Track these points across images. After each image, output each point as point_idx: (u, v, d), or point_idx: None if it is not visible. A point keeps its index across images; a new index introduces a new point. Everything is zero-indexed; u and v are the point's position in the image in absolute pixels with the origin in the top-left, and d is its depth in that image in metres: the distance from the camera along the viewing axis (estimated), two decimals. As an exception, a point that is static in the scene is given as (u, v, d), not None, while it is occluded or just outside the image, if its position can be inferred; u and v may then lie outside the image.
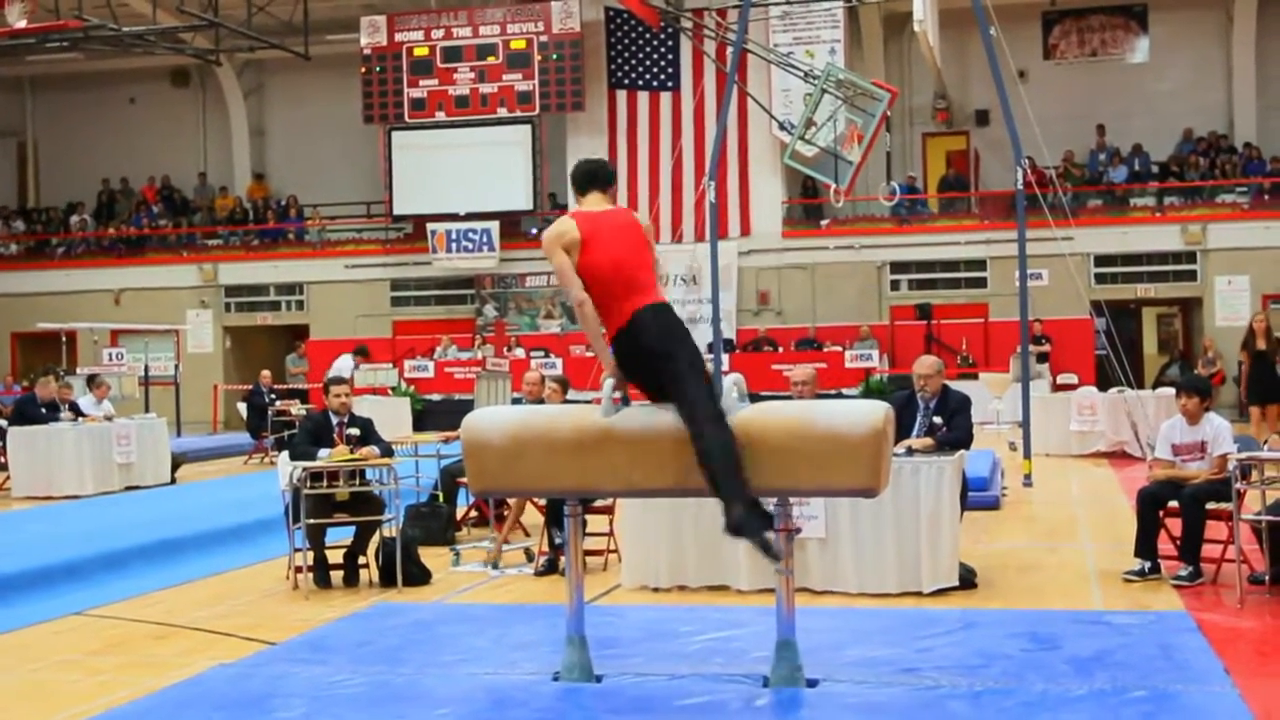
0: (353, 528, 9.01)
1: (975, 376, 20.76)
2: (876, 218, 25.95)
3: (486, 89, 26.67)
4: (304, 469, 8.63)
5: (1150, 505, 8.35)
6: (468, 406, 7.69)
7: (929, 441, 8.44)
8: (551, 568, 9.00)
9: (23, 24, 20.67)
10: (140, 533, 10.45)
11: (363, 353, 22.48)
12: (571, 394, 10.57)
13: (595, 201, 5.58)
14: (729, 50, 20.08)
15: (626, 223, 5.50)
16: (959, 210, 26.68)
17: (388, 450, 9.32)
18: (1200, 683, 5.31)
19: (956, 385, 9.92)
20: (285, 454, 9.26)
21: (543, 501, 9.25)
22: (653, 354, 5.25)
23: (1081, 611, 7.25)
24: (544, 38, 26.41)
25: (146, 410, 20.10)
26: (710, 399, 5.15)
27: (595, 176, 5.65)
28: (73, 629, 7.73)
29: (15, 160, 32.21)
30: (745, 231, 26.16)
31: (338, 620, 7.30)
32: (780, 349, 24.44)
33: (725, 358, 21.23)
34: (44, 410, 15.50)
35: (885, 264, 26.00)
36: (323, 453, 8.90)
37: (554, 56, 26.33)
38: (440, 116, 26.90)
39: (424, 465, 11.89)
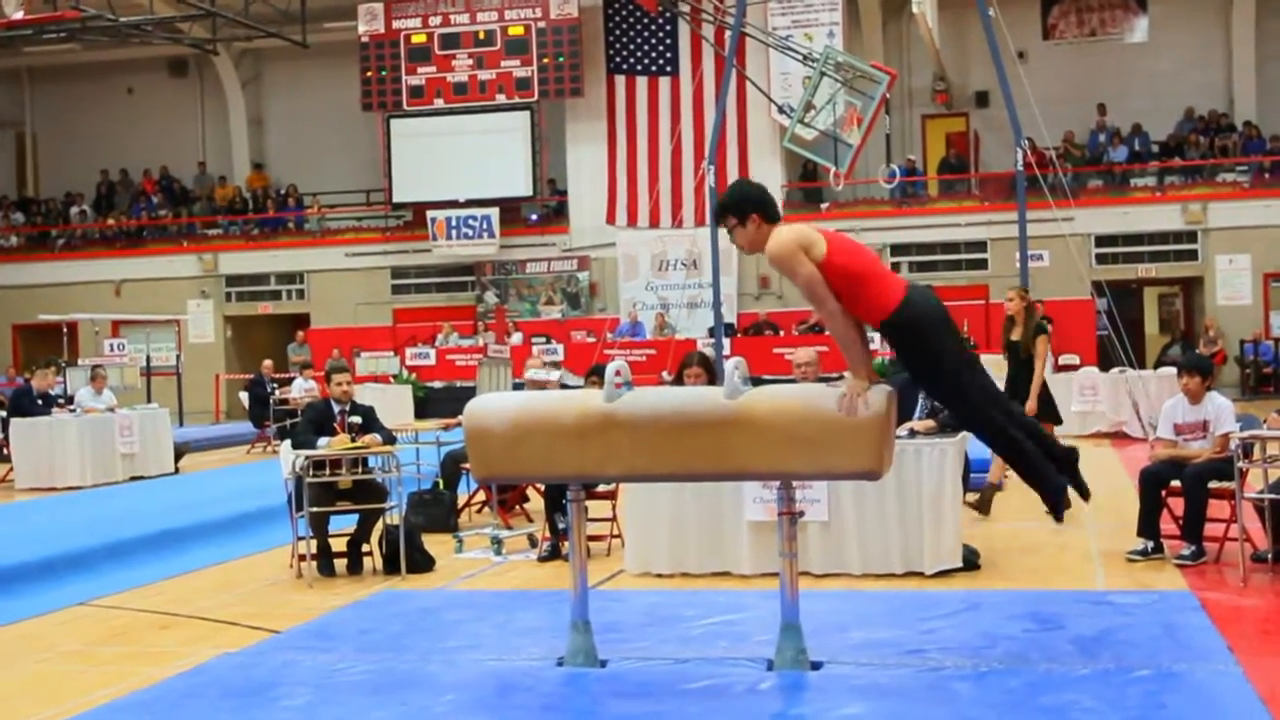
0: (356, 516, 9.02)
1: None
2: (876, 200, 25.92)
3: (485, 75, 26.63)
4: (306, 457, 8.64)
5: (1153, 485, 8.35)
6: (469, 393, 7.68)
7: (931, 423, 8.45)
8: (554, 553, 9.01)
9: (20, 15, 20.63)
10: (144, 523, 10.47)
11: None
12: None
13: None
14: (727, 34, 20.05)
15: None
16: (959, 192, 26.65)
17: (389, 438, 9.32)
18: (1204, 661, 5.32)
19: (958, 367, 9.85)
20: (287, 443, 9.27)
21: (544, 486, 9.25)
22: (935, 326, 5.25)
23: (1085, 591, 7.27)
24: (542, 23, 26.36)
25: (148, 400, 20.08)
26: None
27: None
28: (77, 619, 7.73)
29: (14, 152, 32.17)
30: (746, 215, 26.06)
31: (342, 608, 7.31)
32: (781, 333, 24.42)
33: (726, 342, 21.22)
34: (39, 402, 15.50)
35: (886, 246, 25.93)
36: (324, 441, 8.91)
37: (552, 42, 26.28)
38: (439, 104, 26.86)
39: (425, 452, 11.90)
